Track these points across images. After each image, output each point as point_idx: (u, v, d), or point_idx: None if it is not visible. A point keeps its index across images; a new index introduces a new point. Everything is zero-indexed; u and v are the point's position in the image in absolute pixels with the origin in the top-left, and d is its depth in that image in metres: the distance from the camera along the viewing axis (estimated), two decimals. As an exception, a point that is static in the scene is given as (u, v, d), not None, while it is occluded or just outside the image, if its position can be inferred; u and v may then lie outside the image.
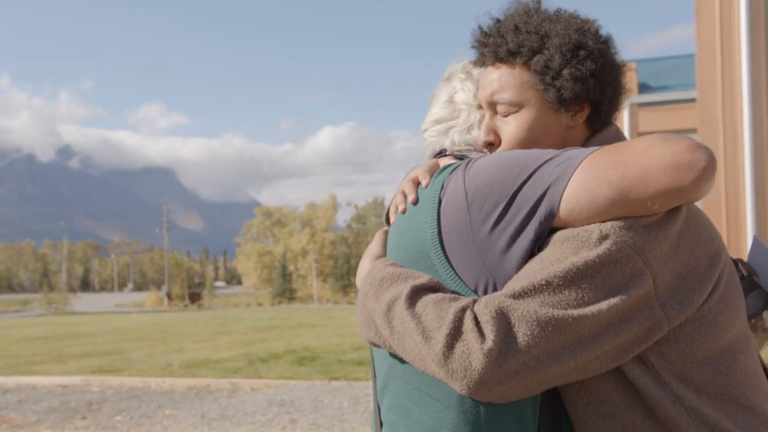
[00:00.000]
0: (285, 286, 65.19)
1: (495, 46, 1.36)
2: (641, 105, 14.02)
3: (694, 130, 11.81)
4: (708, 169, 1.10)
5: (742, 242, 9.69)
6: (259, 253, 73.82)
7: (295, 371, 11.10)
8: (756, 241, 1.52)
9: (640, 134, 13.67)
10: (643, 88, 15.11)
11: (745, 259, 1.51)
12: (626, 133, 13.65)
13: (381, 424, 1.33)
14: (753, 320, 1.39)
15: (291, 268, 68.36)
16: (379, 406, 1.35)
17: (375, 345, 1.26)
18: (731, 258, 1.32)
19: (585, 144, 1.37)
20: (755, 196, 9.73)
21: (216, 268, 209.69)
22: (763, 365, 1.32)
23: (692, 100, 12.36)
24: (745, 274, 1.40)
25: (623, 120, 13.80)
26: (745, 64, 9.74)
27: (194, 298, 59.66)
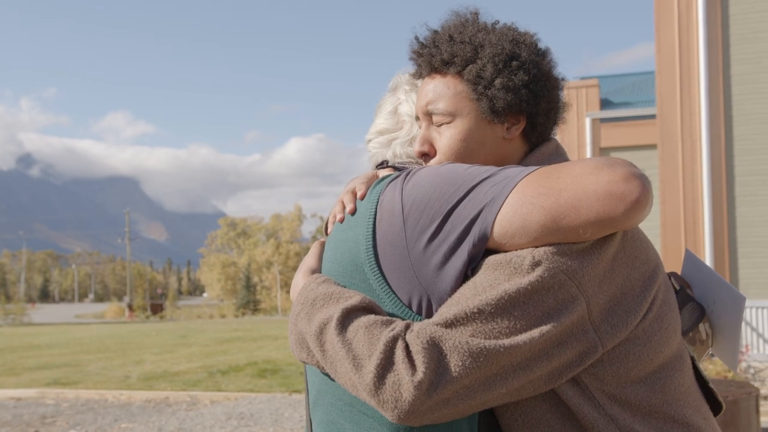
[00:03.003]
0: (249, 298, 64.55)
1: (430, 56, 1.36)
2: (603, 120, 14.21)
3: (654, 146, 12.01)
4: (641, 200, 1.09)
5: (701, 254, 9.84)
6: (223, 264, 73.13)
7: (256, 384, 10.98)
8: (689, 255, 1.53)
9: (602, 149, 13.86)
10: (605, 104, 15.33)
11: (679, 272, 1.51)
12: (588, 148, 13.82)
13: None
14: (690, 333, 1.39)
15: (255, 279, 67.80)
16: (311, 420, 1.32)
17: (307, 364, 1.24)
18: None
19: (523, 160, 1.36)
20: (713, 208, 9.92)
21: (179, 279, 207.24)
22: (704, 378, 1.32)
23: (652, 116, 12.57)
24: (678, 287, 1.40)
25: (585, 135, 13.98)
26: (703, 81, 9.95)
27: (156, 309, 58.73)
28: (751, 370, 9.10)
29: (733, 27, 9.90)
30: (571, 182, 1.10)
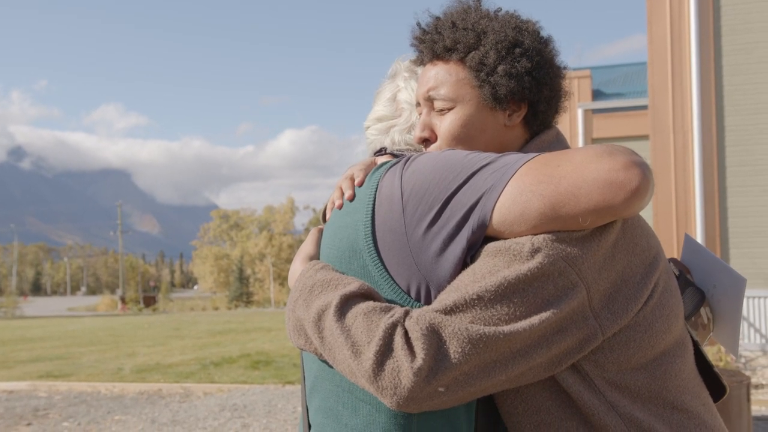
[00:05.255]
0: (242, 290, 64.45)
1: (432, 42, 1.36)
2: (595, 111, 14.23)
3: (646, 137, 12.03)
4: (640, 189, 1.08)
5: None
6: (216, 256, 73.07)
7: (249, 375, 10.98)
8: (688, 239, 1.53)
9: (594, 140, 13.88)
10: (597, 94, 15.35)
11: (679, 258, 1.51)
12: (580, 139, 13.83)
13: (309, 426, 1.30)
14: (692, 318, 1.39)
15: (248, 271, 67.71)
16: (307, 407, 1.32)
17: (305, 351, 1.24)
18: None
19: (523, 147, 1.35)
20: (704, 199, 9.95)
21: (172, 272, 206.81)
22: (708, 363, 1.32)
23: (644, 107, 12.59)
24: (677, 273, 1.40)
25: (577, 126, 13.99)
26: (695, 72, 9.96)
27: (149, 301, 58.61)
28: (743, 359, 9.17)
29: (724, 18, 9.91)
30: (570, 170, 1.10)
